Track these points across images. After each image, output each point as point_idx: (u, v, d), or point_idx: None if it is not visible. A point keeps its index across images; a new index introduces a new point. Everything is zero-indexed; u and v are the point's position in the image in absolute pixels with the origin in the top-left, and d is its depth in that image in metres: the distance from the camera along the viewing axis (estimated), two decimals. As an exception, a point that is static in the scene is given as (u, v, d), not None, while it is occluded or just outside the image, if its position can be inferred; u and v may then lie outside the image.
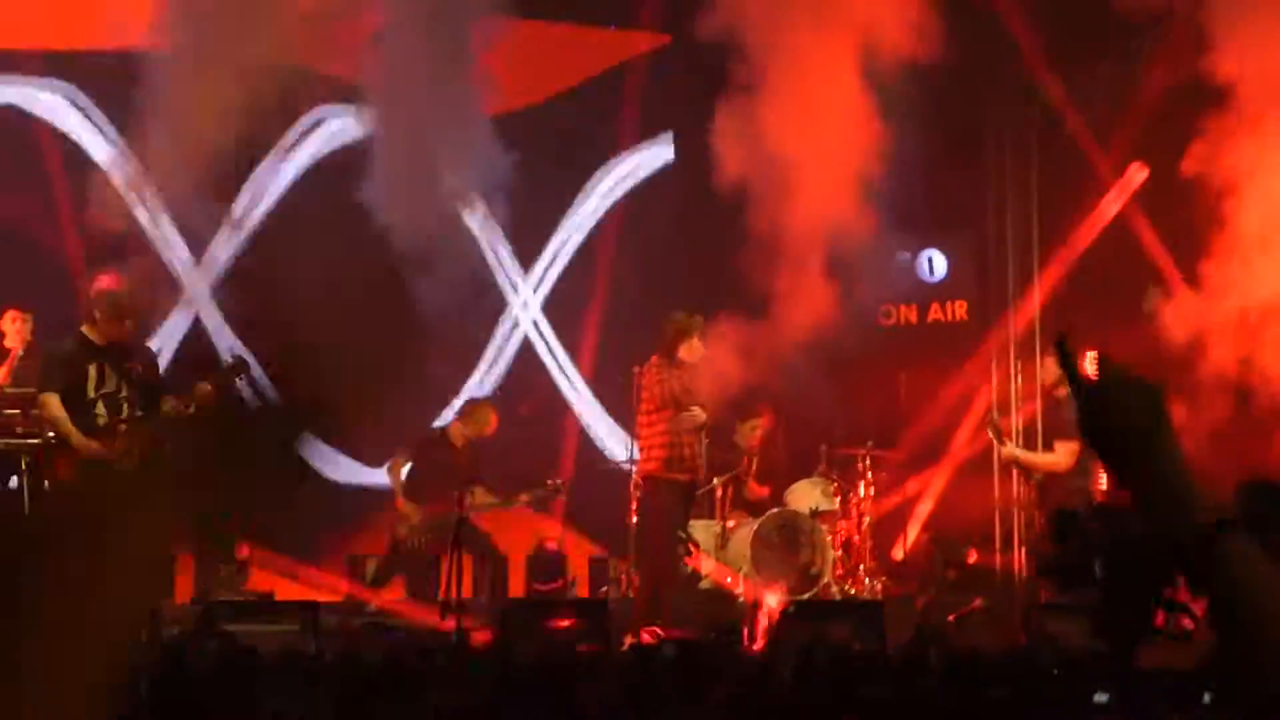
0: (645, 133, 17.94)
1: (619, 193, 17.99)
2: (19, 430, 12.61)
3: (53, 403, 10.41)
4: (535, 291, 17.80)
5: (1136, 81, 16.61)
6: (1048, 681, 9.28)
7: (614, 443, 17.12)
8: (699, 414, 12.80)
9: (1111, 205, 16.55)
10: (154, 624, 8.51)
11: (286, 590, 14.48)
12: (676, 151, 17.77)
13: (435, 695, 8.44)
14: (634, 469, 13.56)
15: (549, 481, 15.08)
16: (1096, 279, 16.45)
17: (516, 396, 17.07)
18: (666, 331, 12.99)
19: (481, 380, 17.30)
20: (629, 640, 11.11)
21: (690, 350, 12.82)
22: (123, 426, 10.39)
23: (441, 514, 13.99)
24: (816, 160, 16.71)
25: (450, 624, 10.35)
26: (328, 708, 8.33)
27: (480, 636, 10.03)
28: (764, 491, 15.50)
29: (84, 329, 10.59)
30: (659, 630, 11.60)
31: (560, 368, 17.68)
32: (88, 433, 10.33)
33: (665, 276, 17.01)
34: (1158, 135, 16.11)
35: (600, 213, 17.97)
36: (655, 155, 17.98)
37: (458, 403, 16.01)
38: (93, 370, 10.48)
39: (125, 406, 10.50)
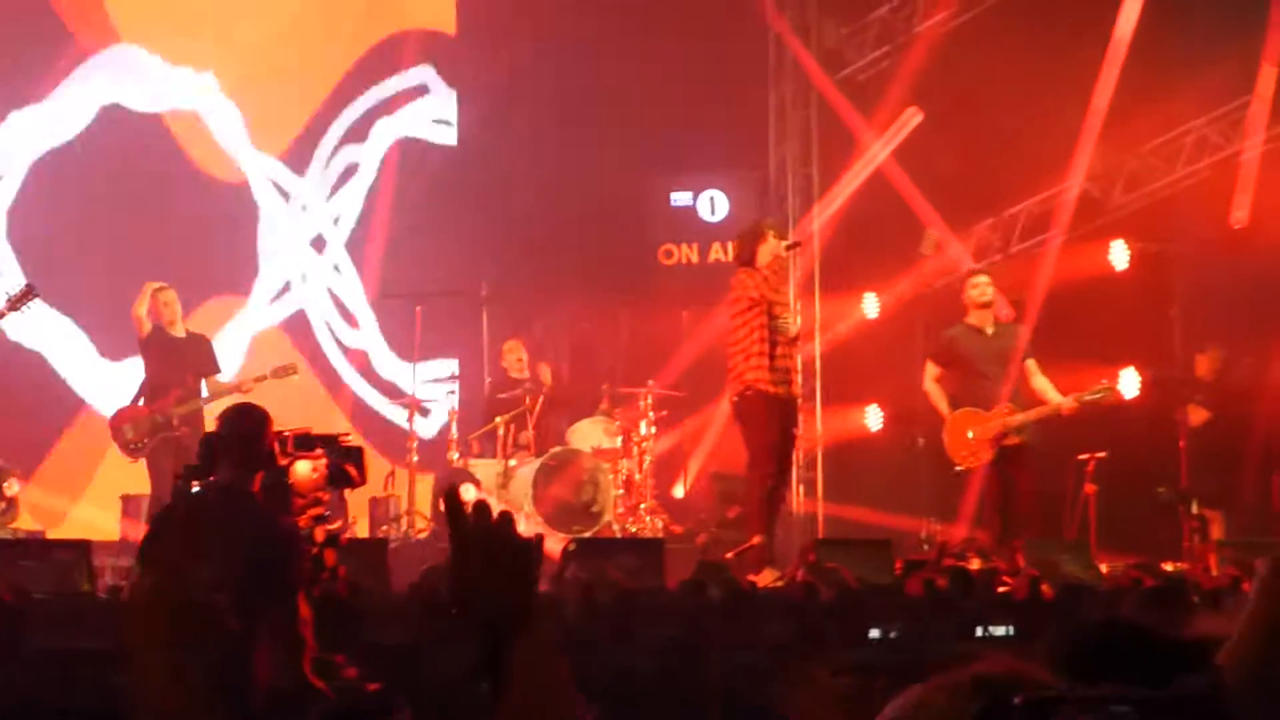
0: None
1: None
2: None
3: None
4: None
5: (912, 28, 16.93)
6: (825, 617, 9.41)
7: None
8: (789, 325, 12.32)
9: (886, 148, 16.79)
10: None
11: (57, 529, 14.19)
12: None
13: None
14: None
15: (287, 362, 14.55)
16: (874, 220, 16.68)
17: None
18: (740, 242, 12.58)
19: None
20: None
21: (769, 250, 12.27)
22: None
23: (159, 411, 13.80)
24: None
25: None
26: (100, 646, 8.17)
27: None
28: (544, 433, 15.46)
29: None
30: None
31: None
32: None
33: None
34: (932, 81, 16.40)
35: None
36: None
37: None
38: None
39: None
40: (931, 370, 13.12)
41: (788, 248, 12.52)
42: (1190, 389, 14.19)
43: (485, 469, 14.96)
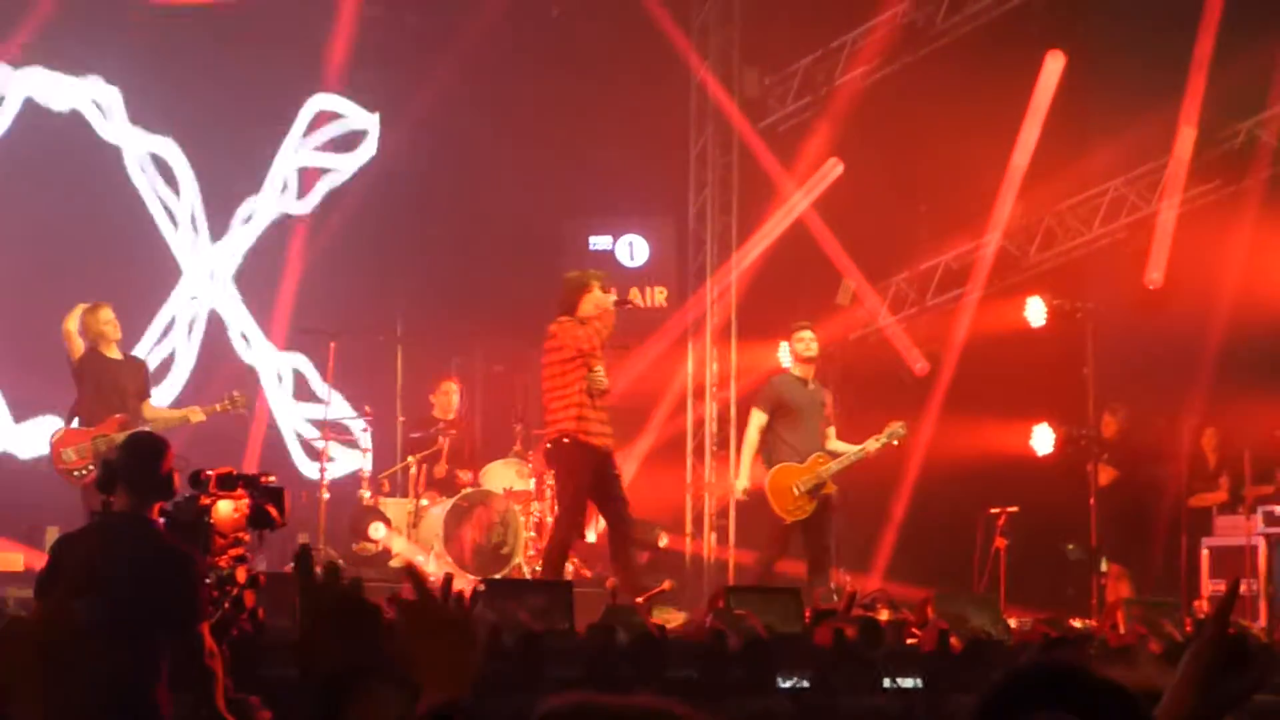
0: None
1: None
2: None
3: None
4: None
5: (834, 80, 17.03)
6: (733, 662, 9.38)
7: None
8: (602, 379, 12.16)
9: (806, 198, 16.87)
10: None
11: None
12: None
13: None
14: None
15: (233, 394, 14.14)
16: (791, 269, 16.74)
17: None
18: (564, 289, 12.41)
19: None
20: None
21: (592, 302, 12.18)
22: None
23: (103, 436, 13.04)
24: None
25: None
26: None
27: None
28: (458, 473, 15.36)
29: None
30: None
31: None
32: None
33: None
34: (854, 133, 16.50)
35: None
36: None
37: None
38: None
39: None
40: (759, 418, 13.28)
41: (616, 303, 12.50)
42: (1099, 447, 14.28)
43: (396, 508, 14.86)
